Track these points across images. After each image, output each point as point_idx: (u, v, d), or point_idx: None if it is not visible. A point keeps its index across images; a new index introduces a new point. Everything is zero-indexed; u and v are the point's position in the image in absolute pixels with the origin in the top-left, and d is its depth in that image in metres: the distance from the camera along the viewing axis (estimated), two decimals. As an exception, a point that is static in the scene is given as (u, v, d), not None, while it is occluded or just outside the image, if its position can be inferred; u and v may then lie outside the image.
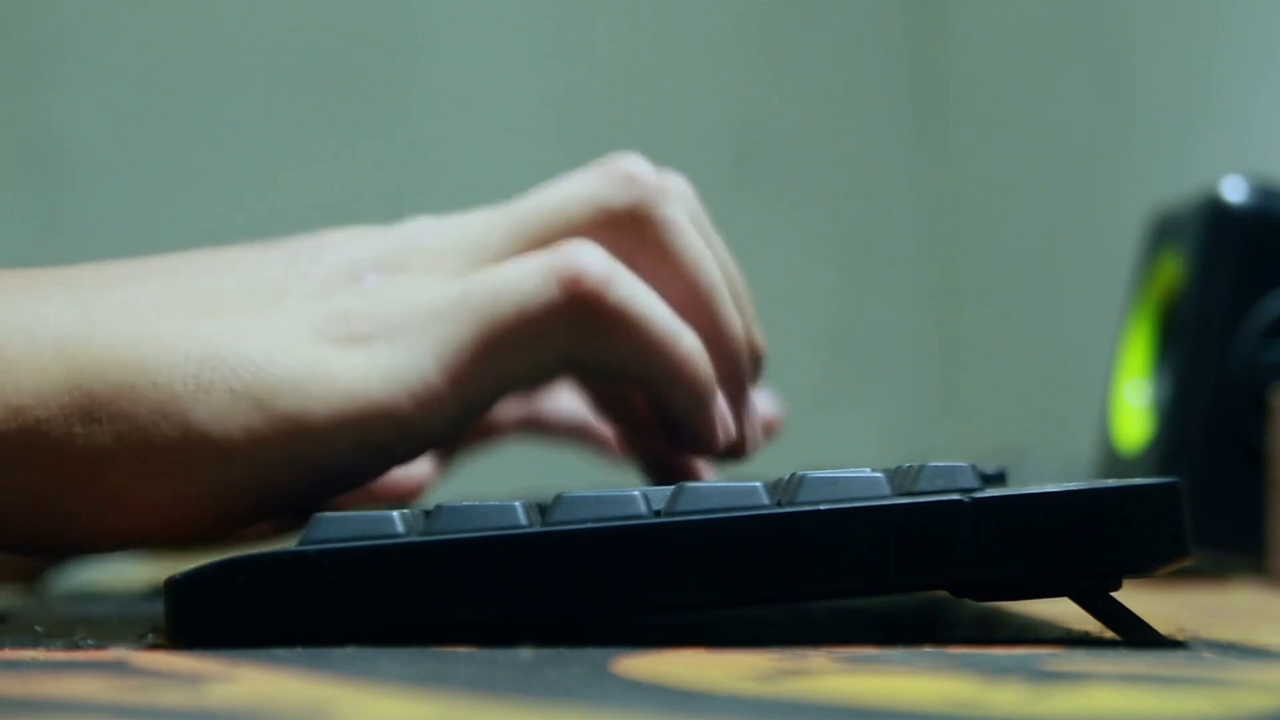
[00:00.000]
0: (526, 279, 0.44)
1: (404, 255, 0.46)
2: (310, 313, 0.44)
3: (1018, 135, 1.59)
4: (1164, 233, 0.72)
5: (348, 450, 0.43)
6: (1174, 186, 0.77)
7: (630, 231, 0.46)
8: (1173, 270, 0.71)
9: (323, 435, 0.42)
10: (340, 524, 0.38)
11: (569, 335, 0.44)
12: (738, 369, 0.48)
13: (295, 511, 0.44)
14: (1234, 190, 0.69)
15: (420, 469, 0.60)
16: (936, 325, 1.67)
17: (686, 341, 0.45)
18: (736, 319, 0.48)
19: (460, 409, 0.44)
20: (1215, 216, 0.69)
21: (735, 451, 0.49)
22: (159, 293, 0.43)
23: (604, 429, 0.67)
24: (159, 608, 0.38)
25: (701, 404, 0.46)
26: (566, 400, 0.70)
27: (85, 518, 0.42)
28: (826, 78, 1.66)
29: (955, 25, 1.65)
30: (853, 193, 1.67)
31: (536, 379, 0.45)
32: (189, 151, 1.46)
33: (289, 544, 0.38)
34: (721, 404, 0.47)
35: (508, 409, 0.71)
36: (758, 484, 0.38)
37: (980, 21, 1.63)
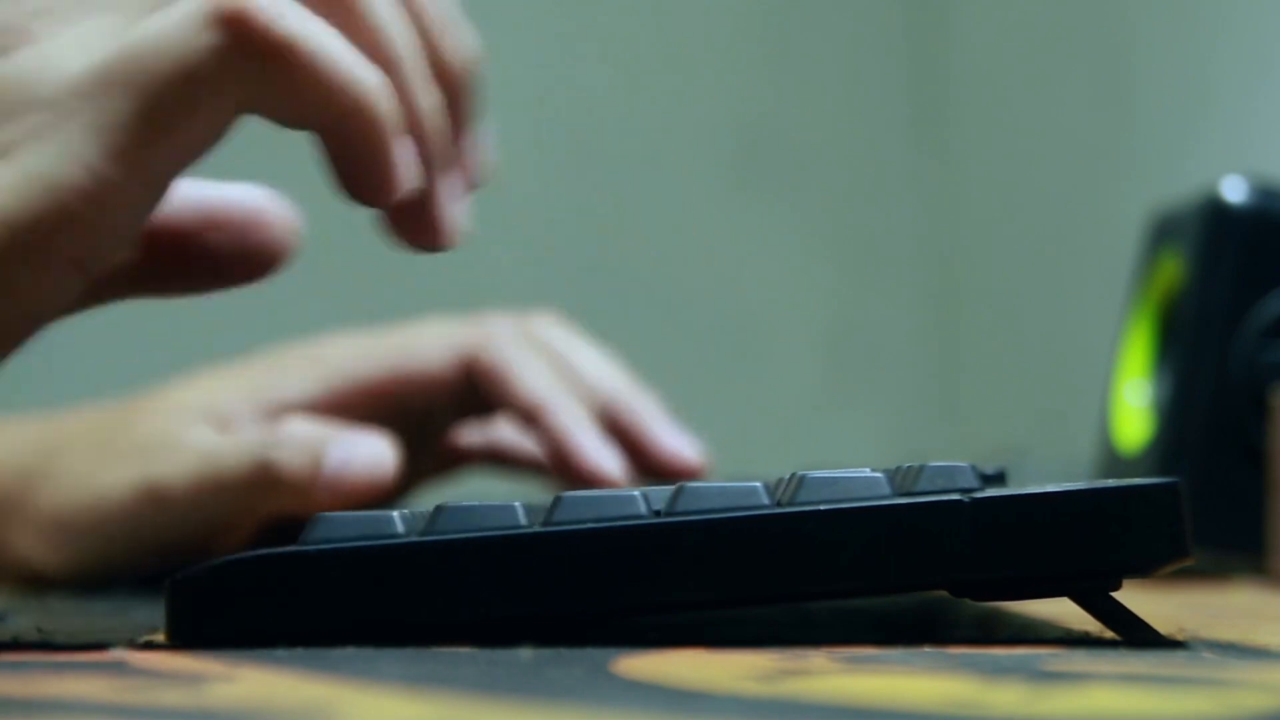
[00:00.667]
0: (183, 28, 0.38)
1: (27, 21, 0.40)
2: None
3: (1017, 135, 1.59)
4: (1164, 233, 0.72)
5: (26, 273, 0.38)
6: (1174, 186, 0.77)
7: None
8: (1173, 270, 0.71)
9: None
10: (340, 524, 0.38)
11: (239, 83, 0.39)
12: (433, 154, 0.42)
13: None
14: (1234, 190, 0.69)
15: (383, 460, 0.60)
16: (936, 325, 1.67)
17: (367, 80, 0.40)
18: (428, 94, 0.42)
19: (141, 191, 0.39)
20: (1215, 216, 0.69)
21: (427, 220, 0.44)
22: None
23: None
24: (159, 608, 0.38)
25: (378, 147, 0.40)
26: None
27: None
28: (826, 78, 1.66)
29: (955, 25, 1.65)
30: (853, 193, 1.67)
31: (212, 139, 0.39)
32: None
33: (289, 544, 0.39)
34: (406, 153, 0.41)
35: (469, 439, 0.71)
36: (758, 484, 0.38)
37: (980, 21, 1.63)
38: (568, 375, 0.69)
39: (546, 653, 0.36)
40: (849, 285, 1.66)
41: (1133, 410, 0.72)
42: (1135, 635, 0.38)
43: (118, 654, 0.37)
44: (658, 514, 0.38)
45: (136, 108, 0.38)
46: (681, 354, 1.57)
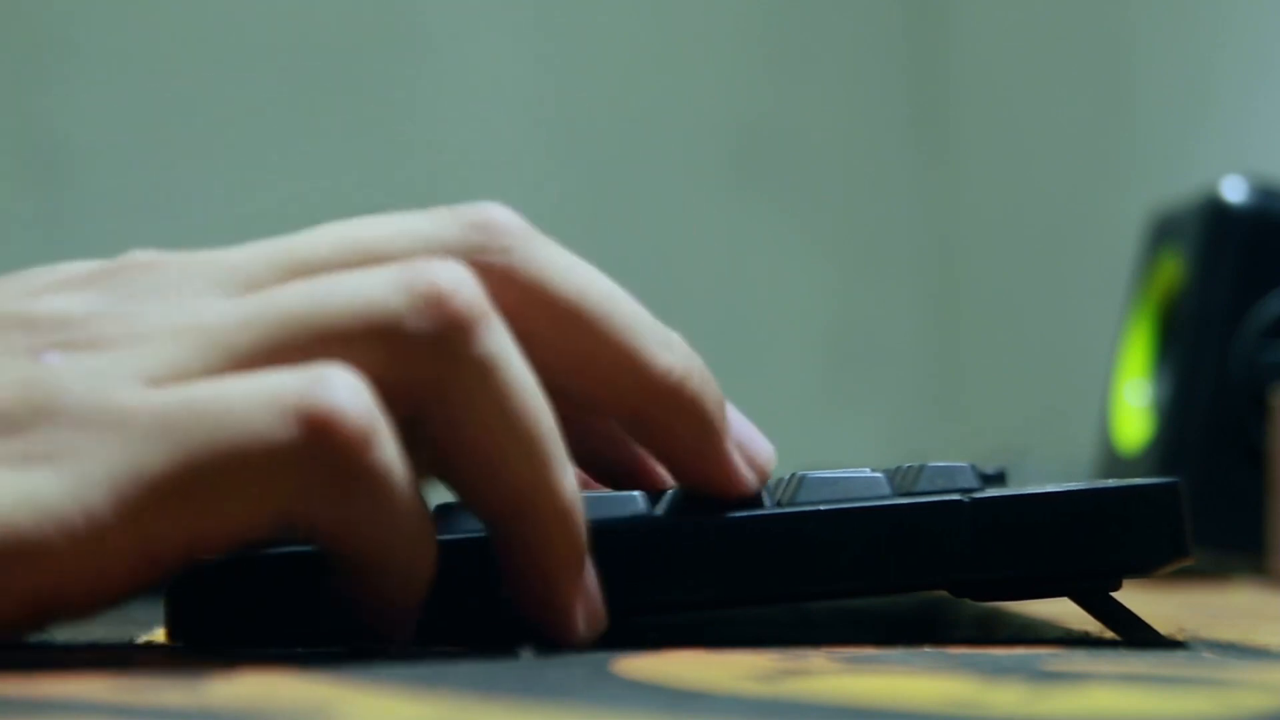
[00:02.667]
0: (259, 406, 0.33)
1: (103, 324, 0.35)
2: None
3: (1018, 136, 1.59)
4: (1164, 233, 0.72)
5: None
6: (1174, 186, 0.77)
7: (422, 367, 0.35)
8: (1173, 270, 0.71)
9: None
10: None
11: (295, 490, 0.33)
12: (554, 556, 0.36)
13: None
14: (1234, 190, 0.69)
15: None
16: (936, 325, 1.67)
17: (419, 542, 0.35)
18: (558, 482, 0.36)
19: (136, 557, 0.33)
20: (1215, 216, 0.69)
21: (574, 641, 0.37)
22: None
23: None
24: (159, 607, 0.38)
25: (399, 613, 0.36)
26: None
27: None
28: (826, 78, 1.66)
29: (955, 25, 1.65)
30: (853, 193, 1.67)
31: (241, 535, 0.33)
32: (189, 152, 1.46)
33: (289, 544, 0.38)
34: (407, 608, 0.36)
35: None
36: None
37: (980, 21, 1.63)
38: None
39: (546, 653, 0.35)
40: (849, 285, 1.66)
41: (1133, 410, 0.72)
42: (1135, 635, 0.38)
43: (118, 654, 0.37)
44: (658, 514, 0.38)
45: (168, 468, 0.32)
46: (681, 354, 1.57)
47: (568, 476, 0.36)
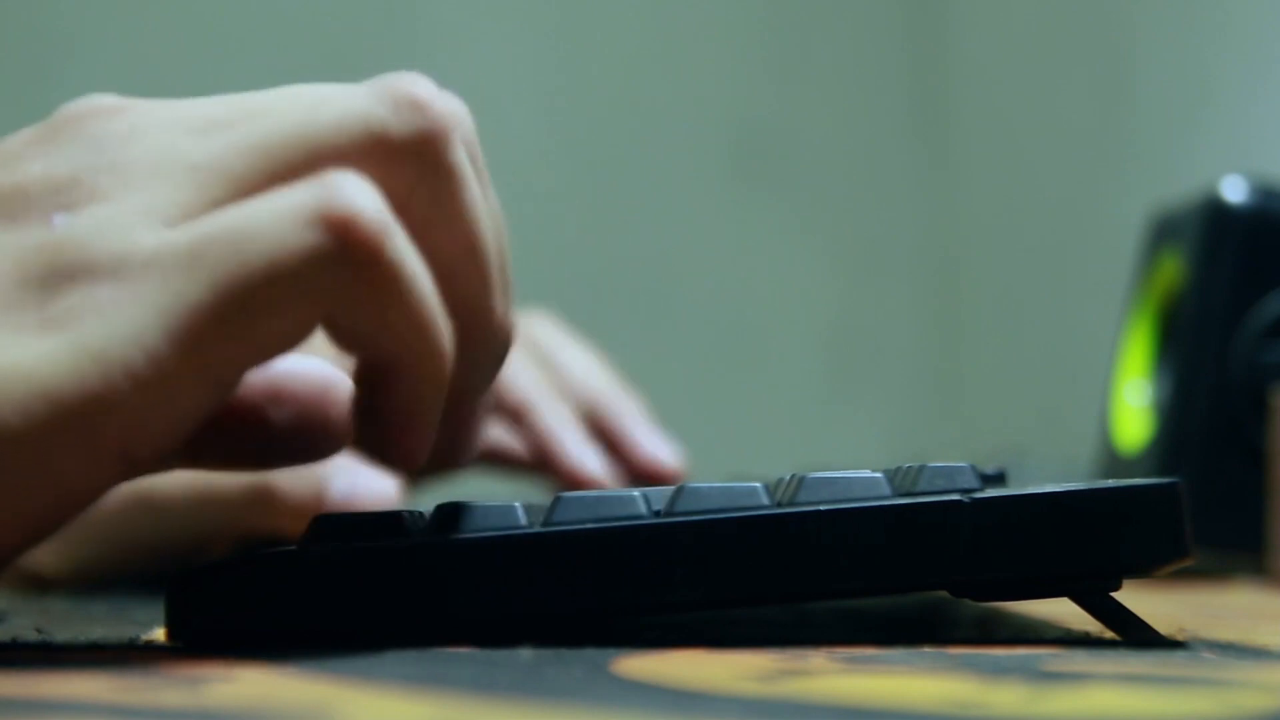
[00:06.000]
0: (282, 221, 0.34)
1: (95, 176, 0.36)
2: None
3: (1018, 135, 1.60)
4: (1164, 233, 0.73)
5: (65, 455, 0.34)
6: (1174, 186, 0.77)
7: (404, 172, 0.37)
8: (1173, 270, 0.71)
9: (26, 446, 0.34)
10: (340, 524, 0.38)
11: (329, 292, 0.35)
12: (488, 362, 0.40)
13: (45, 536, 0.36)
14: (1234, 190, 0.69)
15: (386, 493, 0.59)
16: (936, 325, 1.67)
17: (443, 333, 0.37)
18: (502, 305, 0.39)
19: (200, 387, 0.35)
20: (1215, 216, 0.69)
21: (447, 462, 0.41)
22: None
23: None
24: (159, 608, 0.38)
25: (426, 412, 0.38)
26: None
27: None
28: (826, 78, 1.66)
29: (955, 25, 1.65)
30: (853, 193, 1.67)
31: (289, 344, 0.35)
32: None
33: (289, 544, 0.38)
34: (433, 419, 0.38)
35: None
36: (758, 484, 0.38)
37: (980, 21, 1.63)
38: (554, 374, 0.70)
39: (546, 653, 0.36)
40: (849, 285, 1.66)
41: (1133, 410, 0.72)
42: (1135, 635, 0.38)
43: (118, 654, 0.37)
44: (657, 514, 0.38)
45: (214, 296, 0.34)
46: (681, 354, 1.57)
47: (508, 295, 0.39)
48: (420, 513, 0.39)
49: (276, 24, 1.48)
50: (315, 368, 0.41)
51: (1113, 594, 0.38)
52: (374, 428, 0.38)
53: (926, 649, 0.37)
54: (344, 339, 0.36)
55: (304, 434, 0.41)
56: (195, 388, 0.34)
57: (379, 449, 0.39)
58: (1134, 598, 0.38)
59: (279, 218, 0.34)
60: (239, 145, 0.36)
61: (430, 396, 0.37)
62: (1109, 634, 0.39)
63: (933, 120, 1.66)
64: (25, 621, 0.47)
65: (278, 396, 0.41)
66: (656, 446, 0.70)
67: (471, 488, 0.69)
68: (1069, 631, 0.41)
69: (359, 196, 0.35)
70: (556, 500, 0.38)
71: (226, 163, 0.36)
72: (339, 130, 0.36)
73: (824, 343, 1.65)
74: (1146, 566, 0.38)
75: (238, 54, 1.47)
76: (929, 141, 1.66)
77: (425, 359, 0.37)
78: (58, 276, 0.34)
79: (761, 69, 1.64)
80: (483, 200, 0.38)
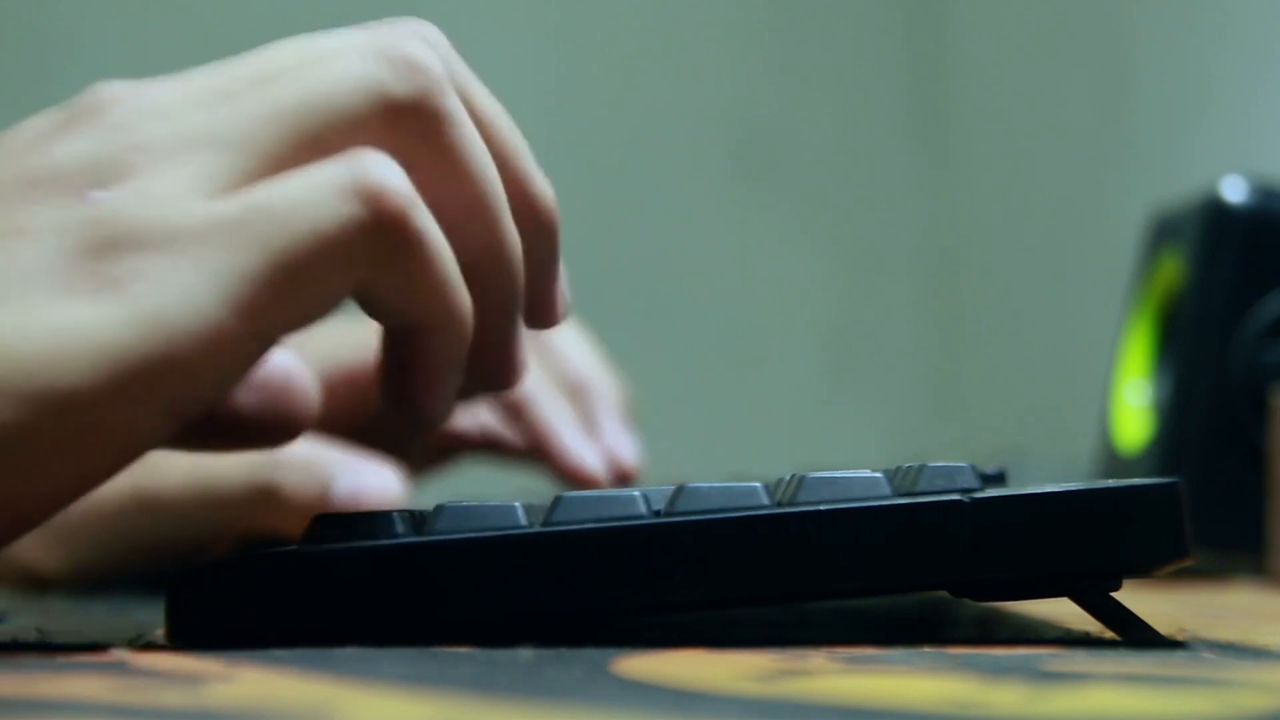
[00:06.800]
0: (323, 194, 0.37)
1: (125, 153, 0.38)
2: (38, 265, 0.36)
3: (1018, 135, 1.60)
4: (1164, 233, 0.73)
5: (128, 419, 0.36)
6: (1174, 186, 0.77)
7: (408, 128, 0.39)
8: (1173, 270, 0.71)
9: (95, 408, 0.36)
10: (340, 524, 0.38)
11: (365, 257, 0.38)
12: (508, 306, 0.42)
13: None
14: (1234, 190, 0.69)
15: (390, 490, 0.60)
16: (936, 325, 1.67)
17: (464, 296, 0.40)
18: (515, 248, 0.42)
19: (253, 346, 0.37)
20: (1215, 216, 0.69)
21: (495, 385, 0.44)
22: None
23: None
24: (159, 608, 0.38)
25: (450, 373, 0.41)
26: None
27: None
28: (826, 78, 1.66)
29: (955, 25, 1.65)
30: (853, 193, 1.67)
31: (327, 309, 0.38)
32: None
33: (289, 544, 0.38)
34: (456, 378, 0.41)
35: (461, 426, 0.71)
36: (758, 484, 0.38)
37: (980, 21, 1.63)
38: (545, 354, 0.70)
39: (546, 653, 0.36)
40: (849, 285, 1.66)
41: (1133, 410, 0.72)
42: (1135, 635, 0.38)
43: (118, 654, 0.37)
44: (657, 514, 0.38)
45: (265, 262, 0.36)
46: (681, 354, 1.57)
47: (538, 196, 0.43)
48: (420, 512, 0.39)
49: (276, 24, 1.48)
50: (279, 359, 0.44)
51: (1113, 594, 0.38)
52: (399, 389, 0.41)
53: (926, 649, 0.37)
54: (372, 304, 0.39)
55: (267, 419, 0.44)
56: (245, 349, 0.37)
57: (405, 409, 0.41)
58: (1134, 598, 0.38)
59: (320, 191, 0.37)
60: (257, 115, 0.38)
61: (453, 356, 0.40)
62: (1109, 634, 0.39)
63: (933, 120, 1.66)
64: (25, 621, 0.47)
65: (246, 383, 0.44)
66: (618, 439, 0.70)
67: (471, 483, 0.70)
68: (1069, 631, 0.41)
69: (388, 173, 0.38)
70: (556, 500, 0.38)
71: (249, 133, 0.38)
72: (348, 97, 0.39)
73: (824, 343, 1.65)
74: (1146, 566, 0.38)
75: (238, 54, 1.47)
76: (929, 141, 1.66)
77: (447, 321, 0.39)
78: (106, 247, 0.36)
79: (762, 69, 1.64)
80: (479, 144, 0.40)
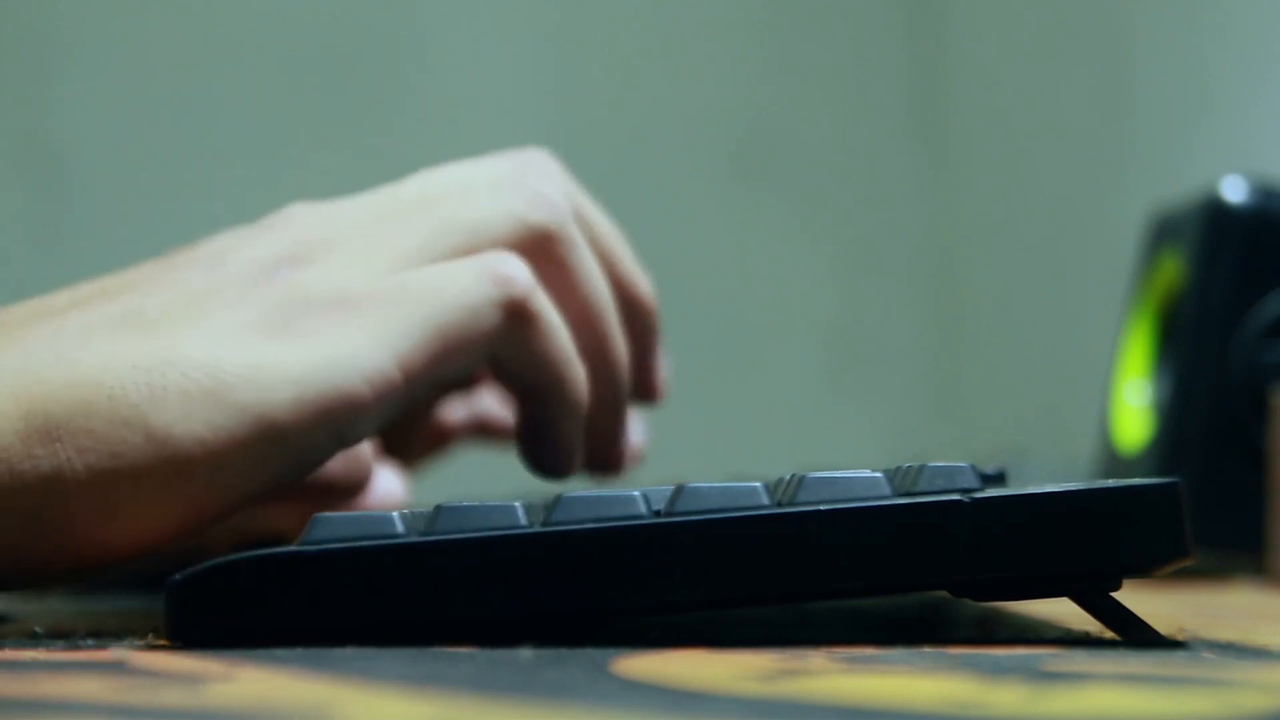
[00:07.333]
0: (466, 277, 0.46)
1: (306, 249, 0.46)
2: (242, 311, 0.44)
3: (1017, 135, 1.59)
4: (1164, 233, 0.73)
5: (307, 437, 0.43)
6: (1174, 186, 0.77)
7: (539, 248, 0.49)
8: (1173, 270, 0.71)
9: (283, 424, 0.43)
10: (340, 524, 0.38)
11: (499, 332, 0.46)
12: (617, 392, 0.52)
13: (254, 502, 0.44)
14: (1234, 190, 0.69)
15: (393, 496, 0.60)
16: (936, 325, 1.67)
17: (577, 366, 0.49)
18: (621, 345, 0.51)
19: (407, 397, 0.45)
20: (1215, 216, 0.69)
21: (607, 468, 0.54)
22: (82, 319, 0.43)
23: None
24: (159, 608, 0.38)
25: (573, 429, 0.50)
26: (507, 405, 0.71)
27: (52, 540, 0.42)
28: (826, 78, 1.66)
29: (955, 25, 1.65)
30: (852, 193, 1.67)
31: (467, 367, 0.47)
32: (189, 154, 1.46)
33: (289, 544, 0.38)
34: (578, 434, 0.50)
35: (456, 415, 0.71)
36: (758, 484, 0.38)
37: (980, 21, 1.63)
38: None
39: (546, 653, 0.36)
40: (849, 285, 1.66)
41: (1133, 410, 0.72)
42: (1135, 635, 0.38)
43: (118, 654, 0.37)
44: (658, 514, 0.38)
45: (427, 329, 0.45)
46: (681, 354, 1.57)
47: (650, 341, 0.55)
48: (420, 512, 0.39)
49: (276, 24, 1.48)
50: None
51: (1113, 594, 0.38)
52: (534, 445, 0.50)
53: (926, 649, 0.37)
54: (503, 368, 0.48)
55: (340, 479, 0.53)
56: (401, 393, 0.45)
57: (539, 461, 0.51)
58: (1134, 598, 0.38)
59: (465, 275, 0.46)
60: (420, 229, 0.47)
61: (572, 414, 0.49)
62: (1109, 634, 0.39)
63: (933, 120, 1.66)
64: (25, 621, 0.47)
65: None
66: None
67: (470, 480, 0.69)
68: (1069, 631, 0.41)
69: (516, 266, 0.47)
70: (556, 500, 0.38)
71: (413, 245, 0.47)
72: (495, 224, 0.48)
73: (824, 343, 1.65)
74: (1146, 566, 0.38)
75: (238, 54, 1.47)
76: (929, 141, 1.66)
77: (563, 385, 0.48)
78: (293, 309, 0.44)
79: (761, 69, 1.64)
80: (596, 267, 0.50)
